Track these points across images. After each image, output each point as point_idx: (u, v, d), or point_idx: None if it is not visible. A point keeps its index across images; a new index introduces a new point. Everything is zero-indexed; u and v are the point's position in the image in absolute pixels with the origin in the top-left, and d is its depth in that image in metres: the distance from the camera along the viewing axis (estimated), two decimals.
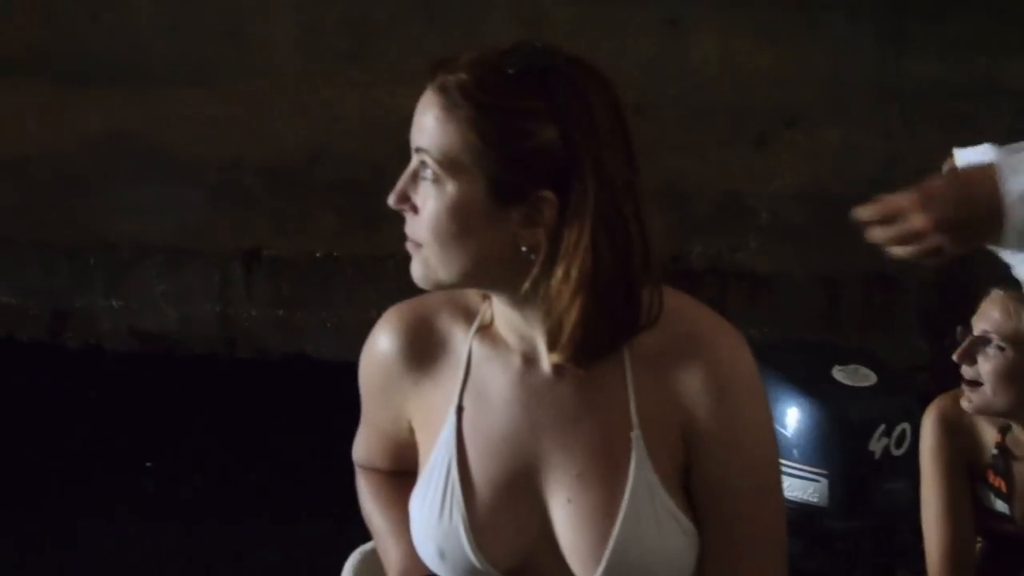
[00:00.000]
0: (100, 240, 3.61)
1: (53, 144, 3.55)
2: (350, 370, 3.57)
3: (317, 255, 3.58)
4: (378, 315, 4.13)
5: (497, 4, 3.35)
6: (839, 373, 2.09)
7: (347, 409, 3.29)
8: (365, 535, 1.44)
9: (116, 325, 3.65)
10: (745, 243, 3.44)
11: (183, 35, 3.46)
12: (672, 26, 3.30)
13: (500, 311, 1.21)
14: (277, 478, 2.99)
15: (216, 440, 3.16)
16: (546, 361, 1.19)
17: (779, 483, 1.26)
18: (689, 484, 1.20)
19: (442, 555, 1.22)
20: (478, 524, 1.20)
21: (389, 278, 3.52)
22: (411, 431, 1.29)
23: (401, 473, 1.36)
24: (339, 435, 3.11)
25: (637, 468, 1.17)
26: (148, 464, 3.01)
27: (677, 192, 3.24)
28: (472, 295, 1.25)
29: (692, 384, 1.18)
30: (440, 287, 1.19)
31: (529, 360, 1.21)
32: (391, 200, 1.18)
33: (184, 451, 3.10)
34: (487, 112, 1.11)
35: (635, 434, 1.18)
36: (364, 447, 1.40)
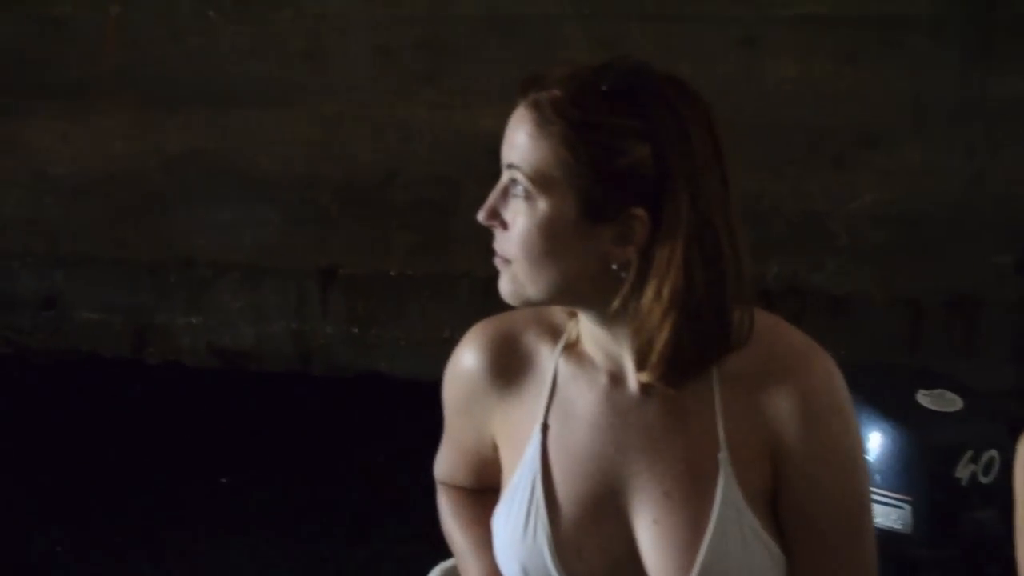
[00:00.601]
0: (180, 258, 3.67)
1: (137, 164, 3.63)
2: (422, 388, 3.58)
3: (392, 274, 3.60)
4: (451, 334, 4.16)
5: (573, 24, 3.34)
6: (924, 398, 2.04)
7: (419, 426, 3.30)
8: (445, 551, 1.45)
9: (195, 341, 3.70)
10: (823, 264, 3.38)
11: (262, 57, 3.52)
12: (750, 46, 3.27)
13: (587, 329, 1.20)
14: (351, 494, 3.00)
15: (290, 456, 3.18)
16: (633, 380, 1.19)
17: (869, 510, 1.23)
18: (776, 508, 1.18)
19: (525, 573, 1.21)
20: (562, 542, 1.19)
21: (462, 297, 3.53)
22: (494, 448, 1.29)
23: (482, 490, 1.36)
24: (411, 452, 3.14)
25: (724, 489, 1.16)
26: (223, 479, 3.04)
27: (754, 212, 3.20)
28: (558, 312, 1.25)
29: (782, 406, 1.16)
30: (528, 304, 1.19)
31: (616, 378, 1.20)
32: (481, 216, 1.18)
33: (258, 466, 3.13)
34: (580, 129, 1.10)
35: (723, 455, 1.16)
36: (446, 463, 1.40)
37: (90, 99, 3.60)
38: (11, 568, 2.66)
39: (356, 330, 3.64)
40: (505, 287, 1.18)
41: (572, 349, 1.23)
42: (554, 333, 1.25)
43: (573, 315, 1.23)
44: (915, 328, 3.37)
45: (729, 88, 3.22)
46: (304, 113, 3.53)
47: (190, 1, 3.51)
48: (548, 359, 1.24)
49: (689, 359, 1.13)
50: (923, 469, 1.97)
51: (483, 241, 3.99)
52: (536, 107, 1.13)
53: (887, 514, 1.95)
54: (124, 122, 3.61)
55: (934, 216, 3.30)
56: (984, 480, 1.95)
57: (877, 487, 1.96)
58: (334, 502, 2.96)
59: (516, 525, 1.21)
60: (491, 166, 3.88)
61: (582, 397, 1.21)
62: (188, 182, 3.61)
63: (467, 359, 1.29)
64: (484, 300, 4.02)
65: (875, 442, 1.98)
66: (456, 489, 1.40)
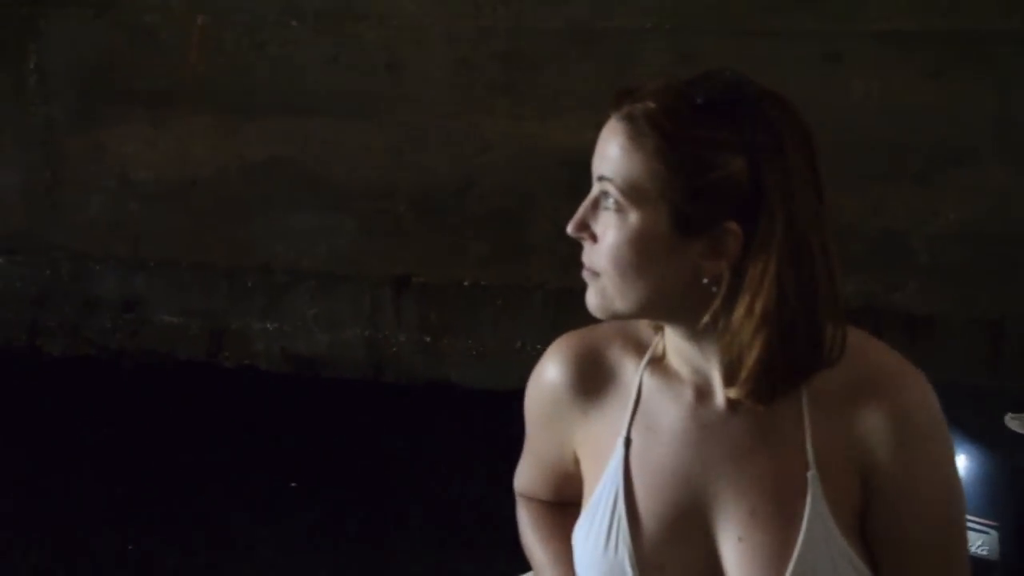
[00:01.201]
0: (258, 264, 3.71)
1: (216, 171, 3.69)
2: (493, 399, 3.60)
3: (465, 283, 3.61)
4: (523, 345, 4.14)
5: (653, 38, 3.33)
6: (1012, 421, 1.99)
7: (489, 437, 3.31)
8: (520, 564, 1.44)
9: (269, 346, 3.74)
10: (903, 283, 3.32)
11: (342, 67, 3.56)
12: (833, 61, 3.23)
13: (674, 343, 1.20)
14: (419, 503, 3.00)
15: (359, 462, 3.20)
16: (720, 395, 1.18)
17: (963, 535, 1.21)
18: (866, 529, 1.16)
19: None
20: (644, 558, 1.18)
21: (535, 309, 3.52)
22: (576, 462, 1.28)
23: (562, 504, 1.35)
24: (481, 462, 3.14)
25: (812, 508, 1.14)
26: (293, 484, 3.07)
27: (833, 229, 3.15)
28: (643, 326, 1.24)
29: (874, 426, 1.14)
30: (616, 317, 1.18)
31: (702, 394, 1.19)
32: (570, 228, 1.17)
33: (328, 472, 3.15)
34: (674, 142, 1.10)
35: (811, 474, 1.15)
36: (526, 476, 1.40)
37: (175, 107, 3.67)
38: (84, 566, 2.71)
39: (428, 339, 3.65)
40: (593, 300, 1.18)
41: (657, 363, 1.22)
42: (639, 347, 1.24)
43: (659, 329, 1.22)
44: (995, 349, 3.30)
45: (810, 103, 3.15)
46: (382, 123, 3.56)
47: (274, 11, 3.56)
48: (632, 373, 1.23)
49: (780, 376, 1.12)
50: (1011, 494, 1.92)
51: (557, 253, 4.00)
52: (629, 119, 1.12)
53: (973, 540, 1.91)
54: (206, 129, 3.67)
55: (1017, 235, 3.22)
56: None
57: None
58: (402, 510, 2.97)
59: (597, 540, 1.20)
60: (567, 178, 3.88)
61: (667, 412, 1.20)
62: (267, 189, 3.66)
63: (551, 372, 1.28)
64: (557, 312, 4.03)
65: (961, 465, 1.93)
66: (536, 502, 1.39)
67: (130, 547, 2.77)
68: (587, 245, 1.17)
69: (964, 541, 1.20)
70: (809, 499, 1.14)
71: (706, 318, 1.13)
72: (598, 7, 3.37)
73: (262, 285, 3.73)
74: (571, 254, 3.96)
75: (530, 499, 1.40)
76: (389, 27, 3.51)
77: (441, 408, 3.52)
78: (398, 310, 3.66)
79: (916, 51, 3.21)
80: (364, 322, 3.68)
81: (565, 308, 3.46)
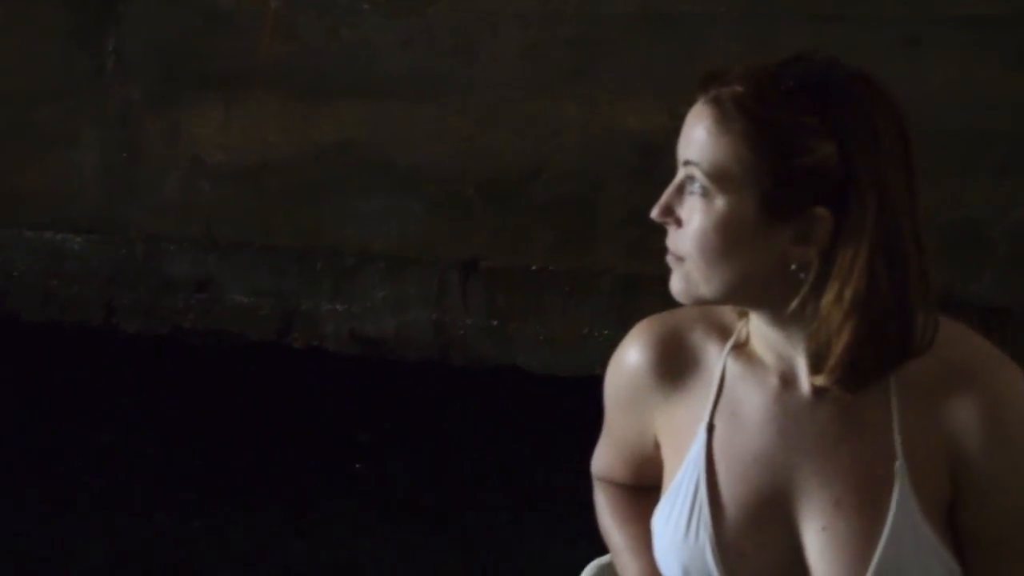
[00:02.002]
0: (327, 246, 3.74)
1: (288, 154, 3.72)
2: (559, 383, 3.59)
3: (533, 268, 3.61)
4: (590, 330, 4.11)
5: (726, 23, 3.29)
6: None
7: (555, 421, 3.31)
8: (592, 548, 1.44)
9: (338, 328, 3.78)
10: (980, 275, 3.25)
11: (414, 51, 3.57)
12: (913, 47, 3.16)
13: (759, 329, 1.18)
14: (487, 486, 3.01)
15: (426, 445, 3.22)
16: (805, 382, 1.16)
17: None
18: (954, 522, 1.15)
19: (687, 573, 1.20)
20: (725, 545, 1.18)
21: (602, 294, 3.51)
22: (656, 446, 1.28)
23: (641, 488, 1.35)
24: (547, 447, 3.15)
25: (899, 499, 1.13)
26: (357, 466, 3.09)
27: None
28: (727, 312, 1.23)
29: (964, 417, 1.12)
30: (701, 303, 1.17)
31: (787, 381, 1.18)
32: (654, 213, 1.16)
33: (394, 454, 3.17)
34: (763, 126, 1.08)
35: (899, 464, 1.13)
36: (605, 460, 1.39)
37: (248, 90, 3.71)
38: (152, 543, 2.75)
39: (495, 323, 3.66)
40: (677, 286, 1.16)
41: (741, 349, 1.21)
42: (722, 332, 1.23)
43: (743, 314, 1.21)
44: None
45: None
46: (453, 107, 3.57)
47: None
48: (716, 358, 1.22)
49: (869, 364, 1.10)
50: None
51: (625, 238, 3.98)
52: (717, 103, 1.11)
53: None
54: (278, 112, 3.70)
55: None
56: None
57: None
58: (469, 493, 2.98)
59: (678, 525, 1.20)
60: (636, 163, 3.85)
61: (750, 398, 1.19)
62: (337, 172, 3.69)
63: (632, 355, 1.27)
64: (624, 297, 4.00)
65: None
66: (614, 485, 1.39)
67: (195, 523, 2.82)
68: (671, 230, 1.15)
69: None
70: (896, 490, 1.13)
71: (794, 304, 1.11)
72: None
73: (331, 267, 3.76)
74: (639, 240, 3.96)
75: (608, 482, 1.40)
76: (461, 11, 3.51)
77: (507, 392, 3.52)
78: (465, 294, 3.67)
79: (997, 36, 3.13)
80: (432, 305, 3.69)
81: (632, 294, 3.44)
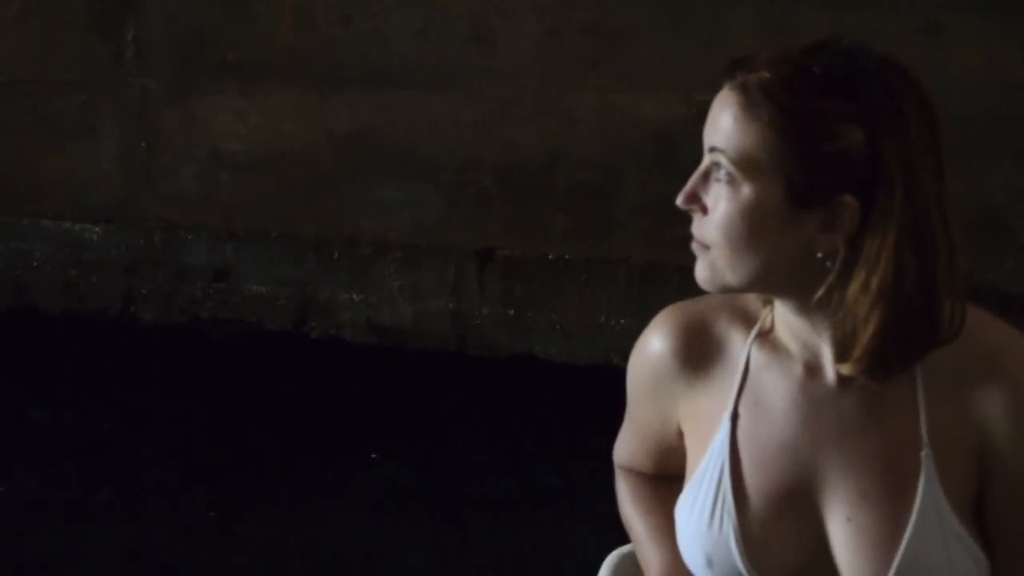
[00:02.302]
0: (344, 235, 3.75)
1: (305, 143, 3.72)
2: (576, 371, 3.58)
3: (549, 257, 3.60)
4: (607, 319, 4.09)
5: (743, 10, 3.27)
6: None
7: (573, 409, 3.31)
8: (613, 537, 1.44)
9: (355, 317, 3.78)
10: (999, 262, 3.22)
11: (429, 39, 3.56)
12: (933, 33, 3.14)
13: (784, 317, 1.18)
14: (503, 475, 3.01)
15: (442, 434, 3.22)
16: (831, 371, 1.16)
17: None
18: (982, 512, 1.15)
19: (710, 563, 1.20)
20: (750, 534, 1.17)
21: (619, 283, 3.50)
22: (679, 435, 1.27)
23: (663, 477, 1.35)
24: (564, 435, 3.15)
25: (926, 489, 1.12)
26: (374, 455, 3.09)
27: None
28: (751, 299, 1.22)
29: (992, 406, 1.12)
30: (726, 291, 1.16)
31: (812, 369, 1.17)
32: (680, 200, 1.15)
33: (410, 444, 3.17)
34: (790, 113, 1.07)
35: (925, 453, 1.13)
36: (627, 448, 1.39)
37: (265, 79, 3.71)
38: (169, 533, 2.76)
39: (512, 312, 3.65)
40: (702, 273, 1.15)
41: (765, 337, 1.20)
42: (747, 320, 1.22)
43: (767, 302, 1.20)
44: None
45: None
46: (469, 96, 3.56)
47: None
48: (740, 346, 1.21)
49: (896, 353, 1.10)
50: None
51: (641, 227, 3.95)
52: (743, 90, 1.10)
53: None
54: (295, 102, 3.71)
55: None
56: None
57: None
58: (486, 481, 2.98)
59: (702, 514, 1.20)
60: (653, 152, 3.83)
61: (775, 387, 1.18)
62: (354, 162, 3.69)
63: (656, 343, 1.26)
64: (641, 286, 3.99)
65: None
66: (636, 474, 1.39)
67: (211, 514, 2.82)
68: (696, 217, 1.14)
69: None
70: (922, 479, 1.12)
71: (820, 293, 1.10)
72: None
73: (348, 257, 3.76)
74: (656, 229, 3.94)
75: (630, 471, 1.39)
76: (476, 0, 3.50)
77: (524, 381, 3.52)
78: (482, 283, 3.67)
79: (1018, 22, 3.10)
80: (448, 294, 3.69)
81: (649, 283, 3.43)
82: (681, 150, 3.32)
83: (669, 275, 3.31)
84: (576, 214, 3.54)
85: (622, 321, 3.48)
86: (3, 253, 3.99)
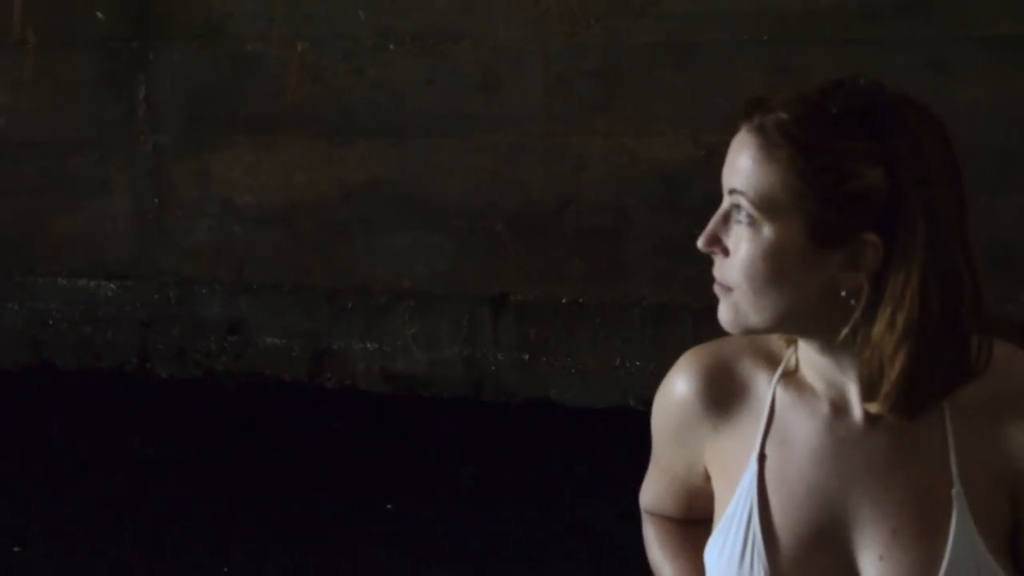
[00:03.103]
0: (357, 285, 3.76)
1: (317, 194, 3.74)
2: (592, 416, 3.56)
3: (563, 301, 3.60)
4: (622, 362, 4.08)
5: (749, 50, 3.29)
6: None
7: (589, 452, 3.28)
8: None
9: (370, 366, 3.78)
10: (1014, 296, 3.21)
11: (439, 88, 3.59)
12: (938, 69, 3.15)
13: (808, 357, 1.17)
14: (519, 521, 3.00)
15: (461, 481, 3.21)
16: (857, 409, 1.15)
17: None
18: (1017, 549, 1.13)
19: None
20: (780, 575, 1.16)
21: (634, 325, 3.50)
22: (706, 478, 1.27)
23: (689, 522, 1.34)
24: (582, 480, 3.12)
25: (959, 526, 1.11)
26: (389, 506, 3.08)
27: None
28: (774, 339, 1.22)
29: (1023, 440, 1.11)
30: (750, 332, 1.16)
31: (838, 408, 1.16)
32: (701, 242, 1.14)
33: (427, 491, 3.16)
34: (809, 153, 1.07)
35: (956, 491, 1.12)
36: (653, 492, 1.38)
37: (276, 132, 3.74)
38: None
39: (527, 357, 3.65)
40: (725, 316, 1.15)
41: (790, 377, 1.20)
42: (770, 360, 1.21)
43: (790, 341, 1.20)
44: None
45: None
46: (479, 143, 3.58)
47: (371, 36, 3.61)
48: (765, 387, 1.20)
49: (925, 389, 1.09)
50: None
51: (654, 269, 3.94)
52: (761, 131, 1.10)
53: None
54: (306, 154, 3.73)
55: None
56: None
57: None
58: (505, 531, 2.96)
59: (732, 557, 1.18)
60: (663, 194, 3.83)
61: (802, 427, 1.17)
62: (366, 211, 3.71)
63: (680, 386, 1.25)
64: (655, 328, 3.97)
65: None
66: (663, 519, 1.38)
67: (225, 570, 2.81)
68: (718, 259, 1.14)
69: None
70: (954, 517, 1.11)
71: (845, 331, 1.10)
72: (692, 21, 3.35)
73: (362, 306, 3.77)
74: (669, 270, 3.93)
75: (657, 515, 1.38)
76: (484, 47, 3.53)
77: (540, 426, 3.51)
78: (496, 329, 3.67)
79: (1022, 55, 3.11)
80: (463, 341, 3.69)
81: (663, 324, 3.42)
82: (691, 190, 3.33)
83: (683, 316, 3.30)
84: (588, 257, 3.54)
85: (637, 363, 3.47)
86: (20, 312, 4.01)
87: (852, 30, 3.21)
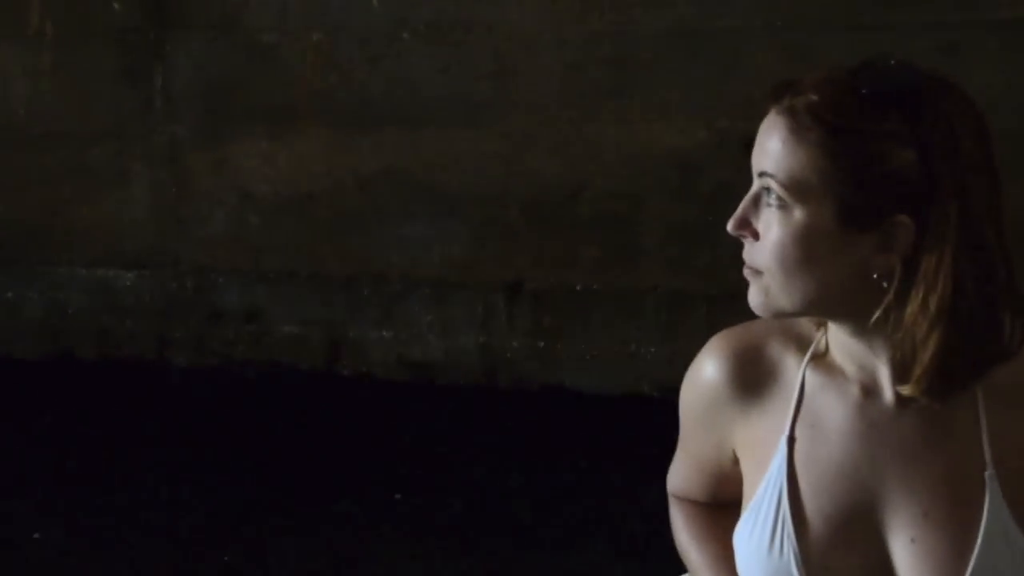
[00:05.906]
0: (373, 273, 3.77)
1: (332, 183, 3.76)
2: (606, 402, 3.56)
3: (577, 288, 3.61)
4: (637, 348, 4.09)
5: (762, 36, 3.29)
6: None
7: (605, 439, 3.29)
8: (654, 569, 1.41)
9: (386, 354, 3.80)
10: None
11: (453, 76, 3.60)
12: (950, 53, 3.14)
13: (838, 339, 1.17)
14: (537, 507, 3.00)
15: (477, 468, 3.22)
16: (888, 392, 1.15)
17: None
18: None
19: None
20: (810, 559, 1.16)
21: (648, 312, 3.50)
22: (734, 461, 1.26)
23: (716, 505, 1.34)
24: (598, 466, 3.13)
25: (991, 509, 1.11)
26: (398, 496, 3.09)
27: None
28: (803, 321, 1.21)
29: None
30: (780, 316, 1.15)
31: (868, 391, 1.16)
32: (730, 226, 1.13)
33: (445, 478, 3.17)
34: (840, 135, 1.07)
35: (989, 473, 1.12)
36: (681, 476, 1.38)
37: (292, 122, 3.76)
38: (198, 571, 2.76)
39: (542, 344, 3.66)
40: (755, 299, 1.14)
41: (820, 360, 1.19)
42: (800, 343, 1.21)
43: (820, 324, 1.19)
44: None
45: None
46: (493, 131, 3.59)
47: (386, 25, 3.62)
48: (794, 370, 1.20)
49: (958, 371, 1.08)
50: None
51: (668, 255, 3.94)
52: (791, 113, 1.09)
53: None
54: (322, 143, 3.75)
55: None
56: None
57: None
58: (521, 515, 2.97)
59: (761, 540, 1.18)
60: (677, 180, 3.82)
61: (832, 409, 1.17)
62: (381, 200, 3.72)
63: (708, 369, 1.25)
64: (669, 314, 3.97)
65: None
66: (691, 503, 1.37)
67: (226, 559, 2.81)
68: (747, 243, 1.13)
69: None
70: (987, 500, 1.11)
71: (877, 314, 1.09)
72: (706, 7, 3.35)
73: (378, 294, 3.78)
74: (683, 256, 3.93)
75: (684, 500, 1.38)
76: (498, 35, 3.54)
77: (556, 412, 3.52)
78: (511, 316, 3.68)
79: None
80: (478, 328, 3.71)
81: (678, 311, 3.43)
82: (704, 176, 3.34)
83: (697, 302, 3.31)
84: (603, 244, 3.55)
85: (652, 349, 3.48)
86: (39, 302, 4.04)
87: (865, 15, 3.21)
